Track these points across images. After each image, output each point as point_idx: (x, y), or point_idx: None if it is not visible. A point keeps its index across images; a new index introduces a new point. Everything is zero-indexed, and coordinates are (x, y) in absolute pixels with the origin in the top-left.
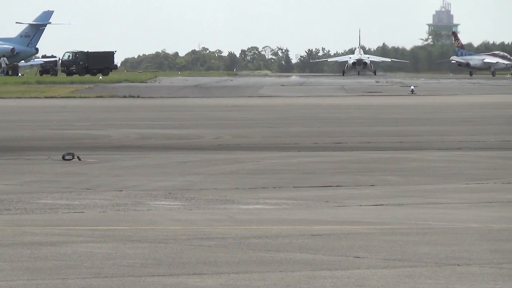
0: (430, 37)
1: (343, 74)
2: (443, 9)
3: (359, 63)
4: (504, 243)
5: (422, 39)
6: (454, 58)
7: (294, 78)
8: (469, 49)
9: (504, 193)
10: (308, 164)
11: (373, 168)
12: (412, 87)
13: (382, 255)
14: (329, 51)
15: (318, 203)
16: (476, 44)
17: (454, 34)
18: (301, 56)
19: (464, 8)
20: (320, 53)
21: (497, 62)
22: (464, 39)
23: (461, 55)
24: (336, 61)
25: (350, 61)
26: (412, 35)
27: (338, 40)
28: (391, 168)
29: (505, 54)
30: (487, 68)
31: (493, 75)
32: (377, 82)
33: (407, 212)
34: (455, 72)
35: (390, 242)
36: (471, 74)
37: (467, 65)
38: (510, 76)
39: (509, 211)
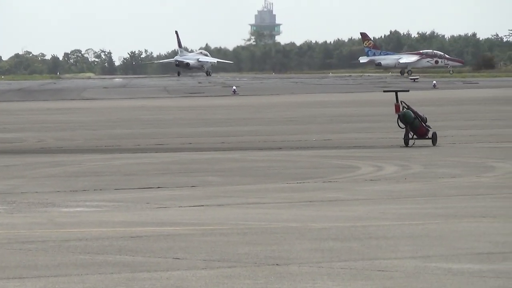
0: (252, 37)
1: (178, 75)
2: (265, 9)
3: (182, 64)
4: (324, 242)
5: (244, 39)
6: (363, 59)
7: (117, 80)
8: (291, 48)
9: (324, 192)
10: (130, 166)
11: (194, 169)
12: (234, 87)
13: (202, 256)
14: (151, 52)
15: (139, 204)
16: (298, 43)
17: (363, 35)
18: (124, 58)
19: (286, 8)
20: (143, 55)
21: (403, 61)
22: (285, 39)
23: (373, 55)
24: (161, 63)
25: (174, 63)
26: (235, 35)
27: (161, 41)
28: (212, 168)
29: (437, 52)
30: (404, 67)
31: (409, 74)
32: (199, 83)
33: (227, 212)
34: (369, 71)
35: (210, 243)
36: (401, 73)
37: (379, 64)
38: (450, 74)
39: (329, 210)
